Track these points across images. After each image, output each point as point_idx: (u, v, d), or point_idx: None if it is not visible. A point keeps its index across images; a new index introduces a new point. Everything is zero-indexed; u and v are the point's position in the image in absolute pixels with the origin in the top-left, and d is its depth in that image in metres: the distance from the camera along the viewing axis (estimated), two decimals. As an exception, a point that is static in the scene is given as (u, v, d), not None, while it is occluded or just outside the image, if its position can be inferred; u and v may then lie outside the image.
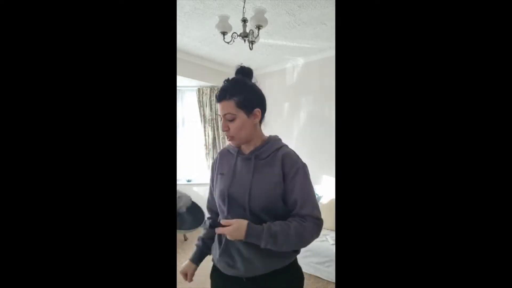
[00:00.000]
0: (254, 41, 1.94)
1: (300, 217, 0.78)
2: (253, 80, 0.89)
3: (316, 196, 0.88)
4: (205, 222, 0.81)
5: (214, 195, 0.94)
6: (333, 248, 2.29)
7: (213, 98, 3.68)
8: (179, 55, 3.18)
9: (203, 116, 3.74)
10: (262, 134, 0.91)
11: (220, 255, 0.89)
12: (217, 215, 0.96)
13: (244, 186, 0.83)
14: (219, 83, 3.47)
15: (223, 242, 0.88)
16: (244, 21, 1.93)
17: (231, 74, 0.89)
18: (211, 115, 3.70)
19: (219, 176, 0.91)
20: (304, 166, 0.84)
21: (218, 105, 0.84)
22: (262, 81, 0.89)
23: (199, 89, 3.72)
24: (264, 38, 2.76)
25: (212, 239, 0.96)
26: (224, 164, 0.92)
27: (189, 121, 3.96)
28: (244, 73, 0.88)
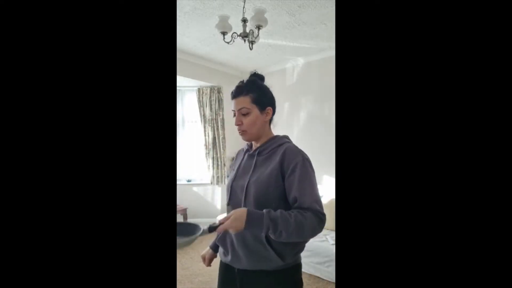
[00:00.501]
0: (254, 41, 1.94)
1: (301, 209, 0.77)
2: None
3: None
4: (202, 230, 0.83)
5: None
6: (333, 248, 2.29)
7: (213, 98, 3.68)
8: (179, 55, 3.18)
9: (203, 116, 3.74)
10: (270, 133, 0.96)
11: (218, 241, 0.96)
12: None
13: (244, 180, 0.88)
14: (219, 83, 3.46)
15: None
16: (244, 21, 1.93)
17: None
18: (211, 115, 3.70)
19: (232, 171, 0.99)
20: (304, 160, 0.82)
21: (234, 101, 0.90)
22: (263, 84, 0.94)
23: (199, 89, 3.72)
24: (264, 38, 2.76)
25: None
26: (236, 161, 1.01)
27: (189, 121, 3.96)
28: (258, 76, 0.95)
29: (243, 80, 0.92)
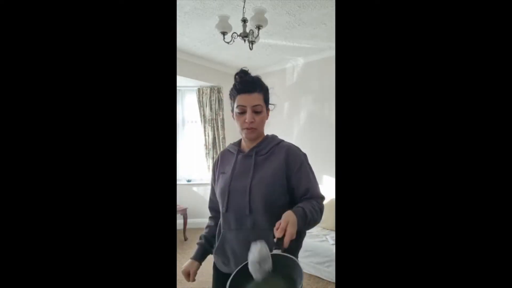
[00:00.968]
0: (254, 41, 1.94)
1: (313, 199, 0.82)
2: None
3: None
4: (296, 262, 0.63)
5: (216, 193, 0.96)
6: (333, 248, 2.30)
7: (213, 98, 3.68)
8: (179, 55, 3.18)
9: (203, 116, 3.74)
10: (263, 132, 0.95)
11: (215, 252, 0.92)
12: (219, 214, 0.97)
13: (244, 182, 0.85)
14: (219, 83, 3.45)
15: (219, 239, 0.90)
16: (244, 21, 1.93)
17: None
18: (211, 115, 3.70)
19: (220, 175, 0.93)
20: (305, 156, 0.89)
21: (244, 96, 0.85)
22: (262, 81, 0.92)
23: (199, 89, 3.72)
24: (264, 38, 2.76)
25: (215, 237, 0.97)
26: (225, 164, 0.95)
27: (189, 121, 3.96)
28: (249, 73, 0.92)
29: (246, 73, 0.89)
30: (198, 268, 0.97)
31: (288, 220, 0.68)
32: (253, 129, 0.87)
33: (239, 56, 3.38)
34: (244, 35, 1.93)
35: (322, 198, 0.86)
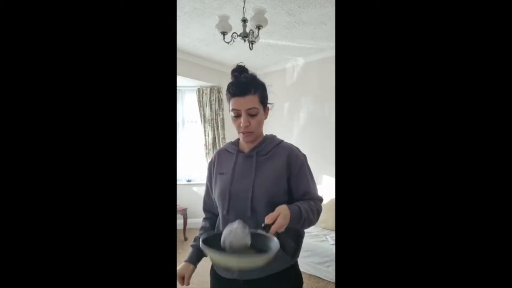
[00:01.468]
0: (254, 41, 1.94)
1: (312, 200, 0.83)
2: None
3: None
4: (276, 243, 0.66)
5: (213, 195, 0.92)
6: (333, 248, 2.30)
7: (213, 98, 3.68)
8: (179, 55, 3.18)
9: (203, 116, 3.74)
10: (262, 132, 0.93)
11: None
12: (214, 215, 0.96)
13: (246, 183, 0.83)
14: (219, 83, 3.45)
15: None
16: (244, 21, 1.93)
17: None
18: (211, 115, 3.71)
19: (218, 176, 0.90)
20: (305, 158, 0.89)
21: (238, 99, 0.81)
22: (262, 81, 0.90)
23: (199, 89, 3.73)
24: (264, 38, 2.76)
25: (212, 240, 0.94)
26: (223, 164, 0.91)
27: (189, 121, 3.96)
28: (246, 70, 0.87)
29: (241, 74, 0.84)
30: (193, 271, 0.92)
31: (280, 211, 0.71)
32: (250, 133, 0.84)
33: (239, 56, 3.38)
34: (244, 35, 1.93)
35: (321, 200, 0.87)
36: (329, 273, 2.25)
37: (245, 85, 0.81)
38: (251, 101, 0.81)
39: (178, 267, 0.89)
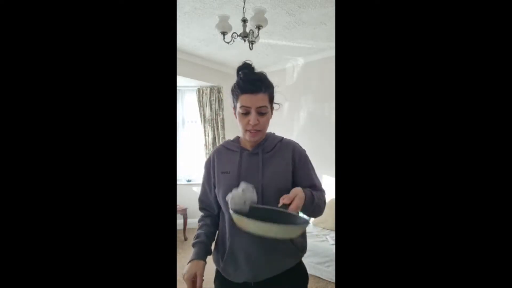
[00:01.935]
0: (254, 41, 1.94)
1: (318, 191, 0.85)
2: None
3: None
4: (303, 220, 0.70)
5: (217, 195, 0.88)
6: (333, 248, 2.30)
7: (213, 98, 3.68)
8: (179, 55, 3.18)
9: (203, 116, 3.74)
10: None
11: (225, 261, 0.85)
12: (212, 216, 0.94)
13: (254, 180, 0.81)
14: (219, 83, 3.44)
15: (227, 248, 0.84)
16: (244, 21, 1.93)
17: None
18: (211, 115, 3.70)
19: (221, 175, 0.87)
20: (305, 152, 0.92)
21: (251, 97, 0.79)
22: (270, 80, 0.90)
23: (199, 89, 3.73)
24: (264, 38, 2.76)
25: (214, 234, 0.92)
26: (225, 163, 0.89)
27: (189, 121, 3.96)
28: (253, 68, 0.86)
29: (251, 71, 0.83)
30: (204, 268, 0.85)
31: (296, 193, 0.71)
32: (258, 132, 0.83)
33: (239, 56, 3.38)
34: (244, 35, 1.93)
35: (323, 190, 0.89)
36: (329, 273, 2.25)
37: (258, 82, 0.80)
38: (262, 99, 0.80)
39: (187, 268, 0.83)
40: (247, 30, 1.93)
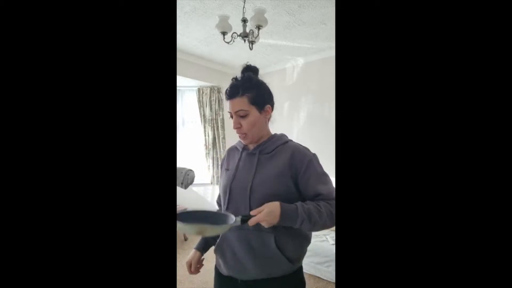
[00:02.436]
0: (254, 41, 1.94)
1: (325, 201, 0.77)
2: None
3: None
4: (235, 220, 0.72)
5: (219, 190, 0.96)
6: (333, 248, 2.30)
7: (213, 98, 3.68)
8: (179, 55, 3.18)
9: (203, 116, 3.74)
10: (269, 131, 0.92)
11: (216, 251, 0.89)
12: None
13: (245, 180, 0.82)
14: (219, 83, 3.46)
15: (219, 237, 0.87)
16: (244, 21, 1.93)
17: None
18: (211, 115, 3.70)
19: (224, 171, 0.93)
20: (314, 157, 0.84)
21: (229, 103, 0.84)
22: (260, 81, 0.90)
23: (199, 89, 3.72)
24: (264, 38, 2.76)
25: None
26: (230, 161, 0.94)
27: (189, 121, 3.96)
28: (251, 70, 0.88)
29: (237, 77, 0.86)
30: (199, 258, 0.95)
31: (266, 207, 0.71)
32: (244, 135, 0.85)
33: (239, 56, 3.38)
34: (244, 35, 1.93)
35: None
36: (329, 273, 2.25)
37: (233, 88, 0.83)
38: (238, 103, 0.82)
39: (189, 256, 0.94)
40: (247, 30, 1.93)
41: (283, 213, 0.71)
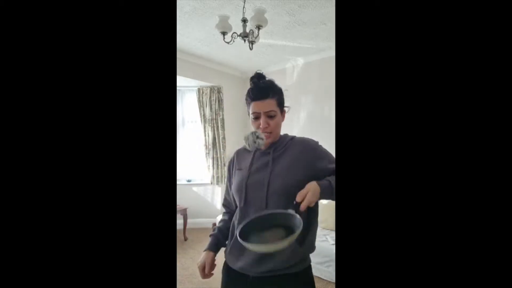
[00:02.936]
0: (254, 41, 1.94)
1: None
2: None
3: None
4: (295, 215, 0.70)
5: (231, 190, 0.97)
6: (333, 248, 2.30)
7: (213, 98, 3.68)
8: (179, 55, 3.18)
9: (203, 116, 3.74)
10: (280, 133, 0.99)
11: (230, 249, 0.92)
12: (232, 210, 1.03)
13: (263, 175, 0.88)
14: (219, 83, 3.45)
15: (234, 236, 0.90)
16: (244, 21, 1.93)
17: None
18: (211, 115, 3.70)
19: (237, 171, 0.97)
20: (317, 144, 0.94)
21: (257, 103, 0.89)
22: (279, 86, 0.95)
23: (199, 89, 3.72)
24: (264, 38, 2.76)
25: (228, 230, 0.98)
26: (241, 161, 0.99)
27: (189, 121, 3.96)
28: (264, 77, 0.97)
29: (258, 80, 0.93)
30: (213, 258, 0.97)
31: (309, 188, 0.76)
32: (269, 133, 0.91)
33: (239, 56, 3.38)
34: (244, 35, 1.93)
35: None
36: (329, 273, 2.25)
37: (264, 89, 0.90)
38: (269, 104, 0.89)
39: (199, 259, 0.95)
40: (247, 30, 1.93)
41: (323, 190, 0.78)
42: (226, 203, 1.06)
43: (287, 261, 0.82)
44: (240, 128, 4.04)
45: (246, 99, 0.94)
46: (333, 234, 2.58)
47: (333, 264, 2.21)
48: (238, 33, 1.96)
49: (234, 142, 3.88)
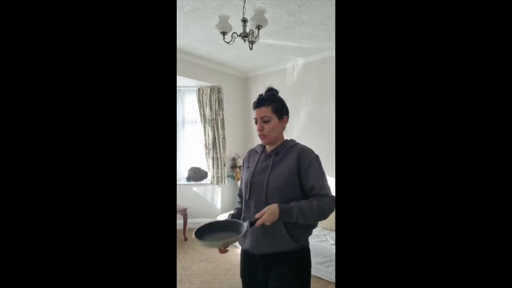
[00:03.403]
0: (254, 41, 1.94)
1: (318, 196, 0.98)
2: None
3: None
4: (246, 226, 0.90)
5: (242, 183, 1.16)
6: (333, 248, 2.30)
7: (213, 98, 3.68)
8: (179, 55, 3.18)
9: (203, 116, 3.74)
10: (283, 137, 1.15)
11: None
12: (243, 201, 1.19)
13: (263, 177, 1.05)
14: (219, 83, 3.45)
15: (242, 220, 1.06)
16: (244, 21, 1.93)
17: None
18: (211, 115, 3.70)
19: (246, 169, 1.17)
20: (316, 157, 1.06)
21: (256, 111, 1.08)
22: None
23: (199, 89, 3.72)
24: (264, 38, 2.76)
25: (240, 216, 1.15)
26: (250, 160, 1.19)
27: (189, 121, 3.96)
28: (275, 90, 1.13)
29: (263, 94, 1.12)
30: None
31: (268, 209, 0.90)
32: (264, 136, 1.07)
33: (239, 56, 3.38)
34: (244, 35, 1.93)
35: (330, 196, 1.01)
36: (329, 273, 2.25)
37: (262, 99, 1.09)
38: (264, 111, 1.07)
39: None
40: (247, 30, 1.93)
41: (282, 213, 0.91)
42: (240, 193, 1.26)
43: (275, 243, 1.01)
44: (240, 128, 4.04)
45: (253, 108, 1.12)
46: (333, 234, 2.58)
47: (333, 264, 2.21)
48: (238, 33, 1.96)
49: (234, 142, 3.88)
